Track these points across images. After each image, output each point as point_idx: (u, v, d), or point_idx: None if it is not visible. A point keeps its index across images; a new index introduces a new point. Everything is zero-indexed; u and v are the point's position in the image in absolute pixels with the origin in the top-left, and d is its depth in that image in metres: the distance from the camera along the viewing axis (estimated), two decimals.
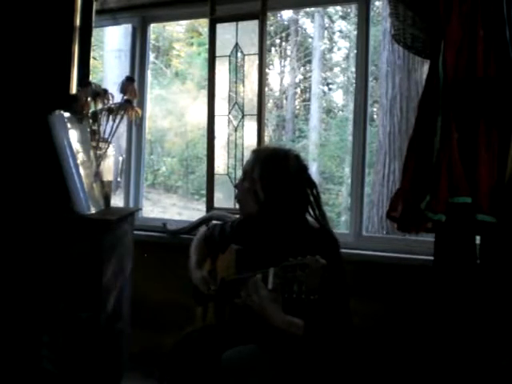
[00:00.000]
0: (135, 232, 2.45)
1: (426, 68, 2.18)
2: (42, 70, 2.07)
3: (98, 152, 2.19)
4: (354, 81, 2.53)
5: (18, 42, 2.07)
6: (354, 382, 1.60)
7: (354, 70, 2.66)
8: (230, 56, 2.66)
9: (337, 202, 7.83)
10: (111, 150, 2.32)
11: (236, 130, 2.66)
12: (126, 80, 2.21)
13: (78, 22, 2.17)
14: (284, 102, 9.15)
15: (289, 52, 9.50)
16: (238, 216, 1.92)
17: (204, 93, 3.61)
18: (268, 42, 6.51)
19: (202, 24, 7.28)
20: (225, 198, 2.69)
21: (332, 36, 9.26)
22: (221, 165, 2.71)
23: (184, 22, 8.07)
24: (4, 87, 2.06)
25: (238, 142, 2.66)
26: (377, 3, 4.93)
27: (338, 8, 8.47)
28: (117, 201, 2.81)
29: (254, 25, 2.53)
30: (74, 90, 2.14)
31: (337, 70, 9.27)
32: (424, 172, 1.76)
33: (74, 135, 1.99)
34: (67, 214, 1.94)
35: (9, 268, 1.92)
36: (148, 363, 2.43)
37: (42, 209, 1.96)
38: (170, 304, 2.56)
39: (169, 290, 2.58)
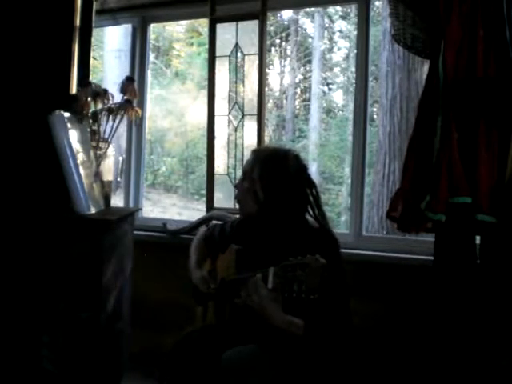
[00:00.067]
0: (135, 232, 2.45)
1: (426, 68, 2.18)
2: (42, 69, 2.07)
3: (98, 152, 2.19)
4: (354, 81, 2.53)
5: (18, 41, 2.07)
6: (353, 381, 1.60)
7: (354, 69, 2.66)
8: (229, 56, 2.66)
9: (337, 202, 7.83)
10: (111, 150, 2.32)
11: (236, 130, 2.66)
12: (126, 80, 2.21)
13: (78, 21, 2.17)
14: (284, 101, 9.15)
15: (289, 52, 9.50)
16: (237, 216, 1.92)
17: (204, 93, 3.61)
18: (268, 42, 6.52)
19: (202, 24, 7.28)
20: (225, 198, 2.69)
21: (332, 36, 9.26)
22: (221, 165, 2.71)
23: (184, 22, 8.07)
24: (4, 87, 2.06)
25: (238, 141, 2.66)
26: (377, 3, 4.93)
27: (338, 8, 8.47)
28: (117, 201, 2.81)
29: (254, 25, 2.53)
30: (73, 89, 2.14)
31: (337, 70, 9.27)
32: (424, 172, 1.76)
33: (73, 135, 1.99)
34: (67, 213, 1.94)
35: (9, 268, 1.92)
36: (148, 363, 2.43)
37: (42, 209, 1.96)
38: (170, 304, 2.56)
39: (169, 290, 2.58)
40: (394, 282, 2.21)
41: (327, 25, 9.09)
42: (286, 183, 1.59)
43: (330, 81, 9.16)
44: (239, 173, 2.49)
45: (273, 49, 9.23)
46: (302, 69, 9.36)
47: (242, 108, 2.64)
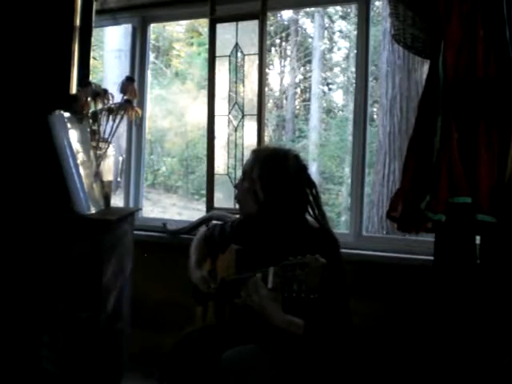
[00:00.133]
0: (135, 232, 2.45)
1: (426, 68, 2.18)
2: (42, 69, 2.07)
3: (98, 152, 2.19)
4: (354, 81, 2.53)
5: (18, 41, 2.07)
6: (353, 381, 1.60)
7: (354, 70, 2.67)
8: (229, 56, 2.66)
9: (337, 202, 7.83)
10: (111, 150, 2.32)
11: (236, 130, 2.66)
12: (126, 80, 2.21)
13: (78, 22, 2.17)
14: (284, 101, 9.15)
15: (289, 52, 9.50)
16: (237, 216, 1.92)
17: (204, 93, 3.61)
18: (268, 42, 6.52)
19: (202, 24, 7.28)
20: (225, 198, 2.69)
21: (332, 36, 9.26)
22: (221, 165, 2.71)
23: (184, 22, 8.07)
24: (4, 87, 2.06)
25: (238, 141, 2.66)
26: (377, 3, 4.93)
27: (338, 8, 8.47)
28: (117, 201, 2.81)
29: (254, 25, 2.53)
30: (74, 89, 2.14)
31: (337, 70, 9.27)
32: (424, 172, 1.76)
33: (74, 135, 1.99)
34: (67, 213, 1.94)
35: (9, 268, 1.92)
36: (148, 363, 2.43)
37: (42, 209, 1.96)
38: (170, 304, 2.56)
39: (169, 290, 2.58)
40: (393, 282, 2.21)
41: (327, 25, 9.09)
42: (286, 183, 1.59)
43: (330, 81, 9.16)
44: (239, 173, 2.49)
45: (273, 49, 9.23)
46: (302, 69, 9.37)
47: (242, 108, 2.64)
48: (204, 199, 3.02)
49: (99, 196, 2.14)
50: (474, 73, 1.72)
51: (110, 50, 4.98)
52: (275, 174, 1.60)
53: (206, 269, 1.77)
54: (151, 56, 3.84)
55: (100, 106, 2.13)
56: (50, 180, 1.99)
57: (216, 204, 2.66)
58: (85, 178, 1.98)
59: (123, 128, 2.81)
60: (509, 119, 1.68)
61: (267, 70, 6.72)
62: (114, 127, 2.17)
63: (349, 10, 8.27)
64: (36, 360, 1.85)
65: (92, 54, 2.28)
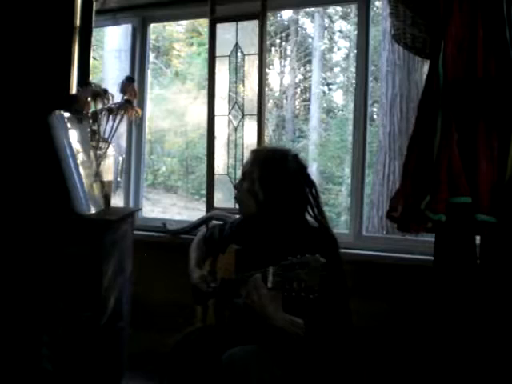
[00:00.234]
0: (135, 232, 2.45)
1: (426, 68, 2.19)
2: (42, 70, 2.07)
3: (98, 152, 2.19)
4: (354, 81, 2.53)
5: (18, 42, 2.07)
6: (353, 381, 1.60)
7: (353, 70, 2.66)
8: (230, 56, 2.65)
9: (337, 202, 7.82)
10: (111, 150, 2.32)
11: (236, 130, 2.66)
12: (125, 80, 2.21)
13: (78, 22, 2.17)
14: (284, 101, 9.14)
15: (289, 52, 9.49)
16: (237, 216, 1.92)
17: (204, 93, 3.62)
18: (268, 42, 6.49)
19: (202, 24, 7.27)
20: (225, 198, 2.69)
21: (332, 36, 9.25)
22: (221, 165, 2.71)
23: (184, 22, 8.07)
24: (4, 87, 2.06)
25: (238, 141, 2.66)
26: (377, 3, 4.93)
27: (338, 8, 8.46)
28: (117, 201, 2.81)
29: (253, 25, 2.53)
30: (74, 89, 2.14)
31: (337, 70, 9.27)
32: (424, 172, 1.76)
33: (74, 135, 1.99)
34: (67, 213, 1.94)
35: (9, 268, 1.92)
36: (148, 363, 2.43)
37: (42, 209, 1.96)
38: (170, 304, 2.56)
39: (169, 290, 2.58)
40: (393, 281, 2.20)
41: (327, 25, 9.09)
42: (286, 183, 1.59)
43: (330, 81, 9.15)
44: (239, 173, 2.48)
45: (273, 49, 9.22)
46: (301, 69, 9.36)
47: (242, 108, 2.64)
48: (204, 199, 3.02)
49: (99, 196, 2.14)
50: (474, 73, 1.72)
51: (109, 50, 4.98)
52: (275, 175, 1.60)
53: (206, 269, 1.78)
54: (151, 56, 3.83)
55: (100, 105, 2.14)
56: (50, 180, 1.99)
57: (216, 204, 2.66)
58: (85, 178, 1.98)
59: (123, 128, 2.81)
60: (509, 119, 1.68)
61: (267, 70, 6.70)
62: (114, 127, 2.18)
63: (349, 10, 8.26)
64: (36, 359, 1.86)
65: (92, 54, 2.28)
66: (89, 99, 2.09)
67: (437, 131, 1.74)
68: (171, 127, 8.19)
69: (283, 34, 9.22)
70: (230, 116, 2.68)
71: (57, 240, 1.92)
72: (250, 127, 2.59)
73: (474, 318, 1.75)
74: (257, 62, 2.53)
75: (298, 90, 9.35)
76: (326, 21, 8.97)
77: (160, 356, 1.71)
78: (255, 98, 2.54)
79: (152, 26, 3.00)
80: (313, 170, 7.49)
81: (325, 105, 8.87)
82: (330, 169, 8.27)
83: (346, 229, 2.61)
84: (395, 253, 2.26)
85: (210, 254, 1.82)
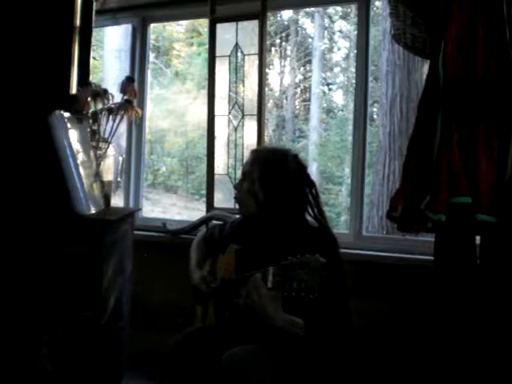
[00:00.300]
0: (135, 232, 2.45)
1: (426, 68, 2.19)
2: (42, 70, 2.07)
3: (98, 152, 2.19)
4: (354, 81, 2.53)
5: (18, 42, 2.07)
6: (353, 381, 1.60)
7: (353, 70, 2.66)
8: (230, 56, 2.65)
9: (337, 202, 7.82)
10: (111, 150, 2.32)
11: (236, 130, 2.66)
12: (125, 80, 2.21)
13: (78, 22, 2.17)
14: (284, 101, 9.14)
15: (289, 52, 9.49)
16: (237, 216, 1.92)
17: (204, 93, 3.61)
18: (268, 42, 6.50)
19: (202, 24, 7.27)
20: (225, 198, 2.69)
21: (332, 36, 9.25)
22: (221, 165, 2.71)
23: (184, 22, 8.07)
24: (4, 87, 2.06)
25: (238, 142, 2.66)
26: (377, 3, 4.93)
27: (338, 8, 8.47)
28: (117, 201, 2.81)
29: (253, 25, 2.53)
30: (74, 89, 2.14)
31: (337, 70, 9.27)
32: (424, 172, 1.76)
33: (74, 135, 1.99)
34: (67, 214, 1.94)
35: (9, 268, 1.92)
36: (148, 363, 2.43)
37: (42, 209, 1.96)
38: (170, 304, 2.56)
39: (169, 290, 2.58)
40: (394, 281, 2.20)
41: (327, 25, 9.09)
42: (286, 183, 1.59)
43: (330, 81, 9.15)
44: (239, 173, 2.48)
45: (273, 49, 9.22)
46: (302, 69, 9.36)
47: (242, 108, 2.64)
48: (204, 199, 3.02)
49: (99, 196, 2.14)
50: (474, 73, 1.72)
51: (109, 50, 4.98)
52: (274, 175, 1.60)
53: (206, 269, 1.78)
54: (151, 56, 3.83)
55: (100, 105, 2.14)
56: (50, 180, 1.99)
57: (216, 204, 2.66)
58: (85, 178, 1.98)
59: (123, 128, 2.81)
60: (509, 119, 1.68)
61: (267, 70, 6.71)
62: (114, 127, 2.18)
63: (349, 10, 8.26)
64: (36, 359, 1.86)
65: (92, 54, 2.28)
66: (89, 99, 2.09)
67: (437, 131, 1.74)
68: (171, 127, 8.19)
69: (283, 34, 9.22)
70: (230, 116, 2.68)
71: (57, 240, 1.92)
72: (250, 127, 2.59)
73: (474, 318, 1.75)
74: (257, 61, 2.53)
75: (298, 90, 9.35)
76: (326, 21, 8.97)
77: (160, 356, 1.71)
78: (255, 98, 2.54)
79: (152, 26, 3.00)
80: (313, 170, 7.49)
81: (325, 105, 8.87)
82: (329, 169, 8.27)
83: (346, 229, 2.61)
84: (395, 253, 2.26)
85: (210, 254, 1.82)
